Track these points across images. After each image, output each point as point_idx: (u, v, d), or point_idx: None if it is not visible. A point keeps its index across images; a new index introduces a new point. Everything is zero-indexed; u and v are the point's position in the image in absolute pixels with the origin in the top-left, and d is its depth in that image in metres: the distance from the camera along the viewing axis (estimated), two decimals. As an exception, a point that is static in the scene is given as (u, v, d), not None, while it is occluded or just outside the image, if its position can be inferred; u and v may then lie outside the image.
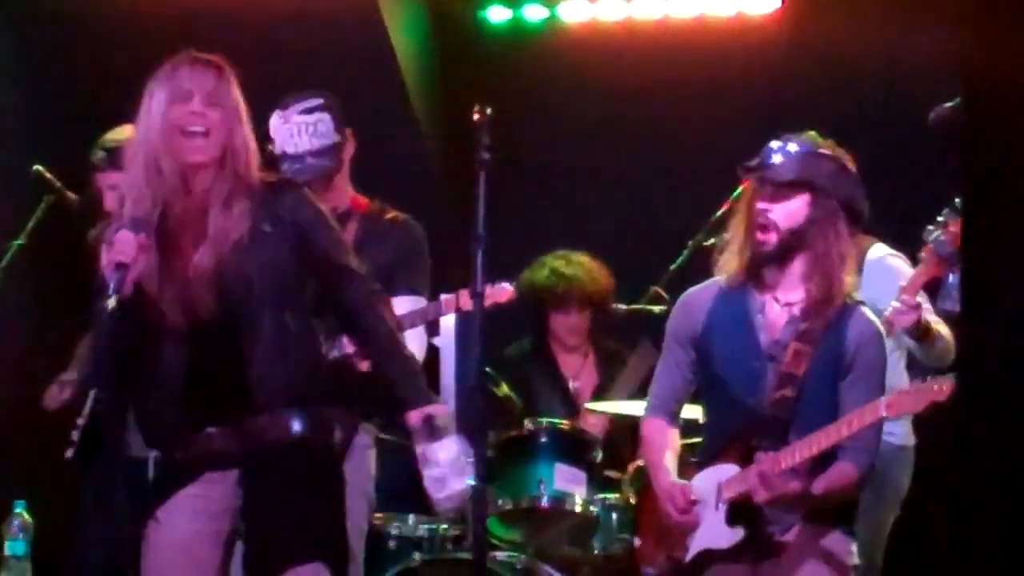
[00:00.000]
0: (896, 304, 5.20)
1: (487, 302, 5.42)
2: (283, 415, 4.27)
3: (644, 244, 6.71)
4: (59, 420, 5.91)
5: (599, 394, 6.51)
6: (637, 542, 5.02)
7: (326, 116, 5.50)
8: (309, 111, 5.51)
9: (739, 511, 4.60)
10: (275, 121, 5.52)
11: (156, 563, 4.22)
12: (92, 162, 5.81)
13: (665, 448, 4.80)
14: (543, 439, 6.03)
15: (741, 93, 7.06)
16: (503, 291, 5.49)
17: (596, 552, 5.94)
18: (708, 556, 4.63)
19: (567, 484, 5.95)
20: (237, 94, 4.37)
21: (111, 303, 4.14)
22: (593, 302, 6.58)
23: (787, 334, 4.64)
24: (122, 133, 5.89)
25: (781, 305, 4.66)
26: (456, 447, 4.26)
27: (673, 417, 4.87)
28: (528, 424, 6.08)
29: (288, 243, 4.31)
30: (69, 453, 5.77)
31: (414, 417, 4.28)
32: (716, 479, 4.65)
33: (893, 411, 4.47)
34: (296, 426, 4.27)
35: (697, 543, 4.66)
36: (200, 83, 4.31)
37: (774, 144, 4.69)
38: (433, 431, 4.26)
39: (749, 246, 4.65)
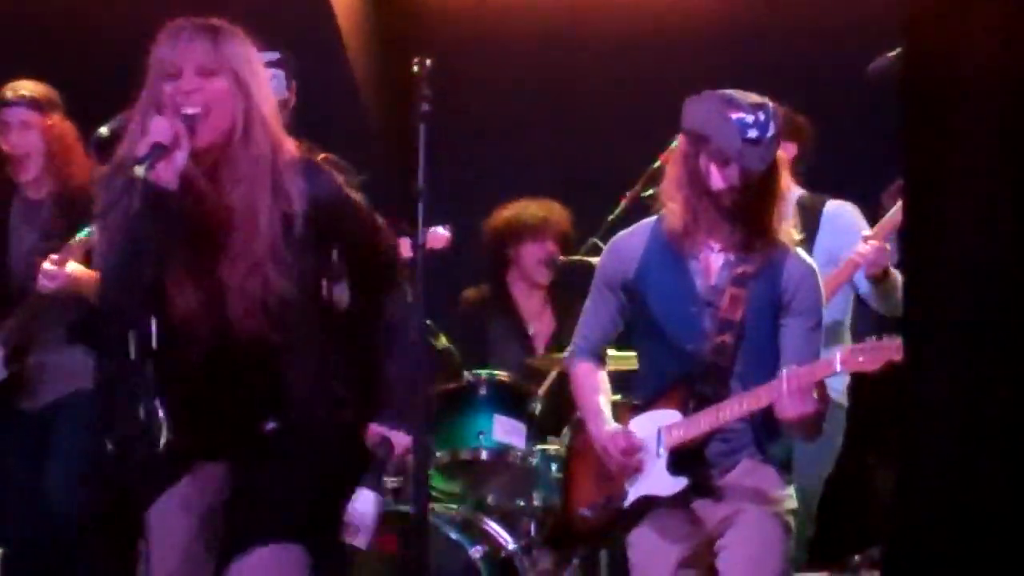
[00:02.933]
0: (866, 245, 5.27)
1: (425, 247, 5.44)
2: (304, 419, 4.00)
3: (582, 195, 6.72)
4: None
5: (556, 341, 6.51)
6: (570, 485, 4.94)
7: (279, 72, 5.53)
8: (265, 66, 5.51)
9: (682, 458, 4.59)
10: None
11: (152, 559, 3.99)
12: None
13: (598, 391, 4.77)
14: (482, 391, 6.04)
15: (682, 44, 7.07)
16: (438, 237, 5.50)
17: (536, 504, 5.97)
18: (648, 501, 4.63)
19: (507, 436, 5.97)
20: (243, 55, 3.93)
21: (139, 170, 3.70)
22: (564, 238, 6.63)
23: (723, 279, 4.62)
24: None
25: (716, 250, 4.65)
26: (376, 504, 4.16)
27: (601, 360, 4.84)
28: (467, 376, 6.09)
29: (318, 239, 3.96)
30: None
31: (374, 431, 4.11)
32: (656, 424, 4.64)
33: (848, 367, 4.43)
34: (307, 409, 4.01)
35: (637, 489, 4.64)
36: (188, 52, 3.87)
37: (751, 134, 4.51)
38: (375, 461, 4.11)
39: (699, 205, 4.60)
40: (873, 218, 5.61)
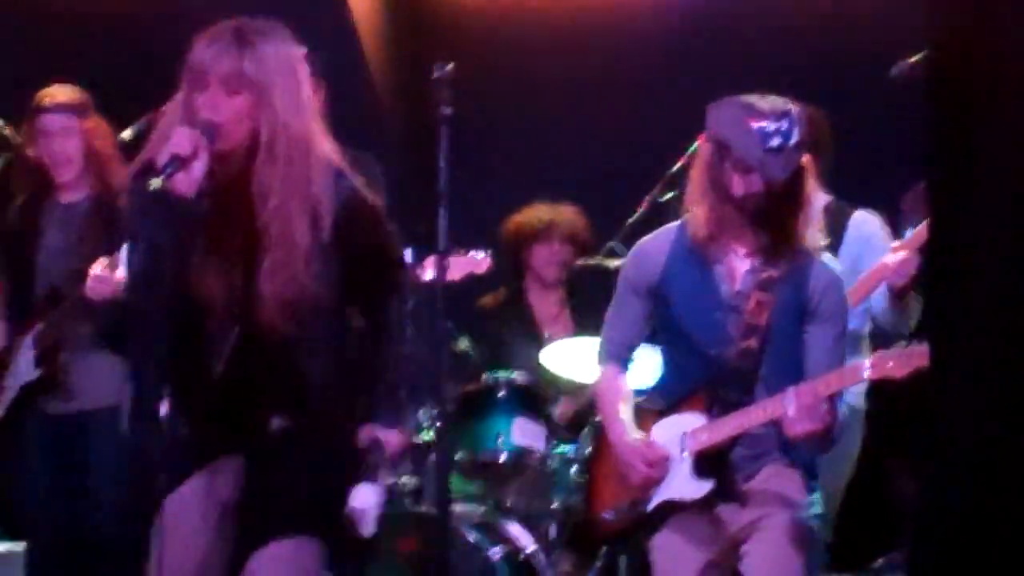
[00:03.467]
0: (895, 256, 5.26)
1: (463, 272, 5.49)
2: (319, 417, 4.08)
3: (601, 199, 6.74)
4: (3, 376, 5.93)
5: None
6: (593, 488, 4.94)
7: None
8: None
9: (706, 462, 4.59)
10: None
11: (164, 547, 3.95)
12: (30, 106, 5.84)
13: (620, 398, 4.77)
14: (501, 393, 6.07)
15: (703, 47, 7.07)
16: (479, 262, 5.52)
17: (555, 506, 5.99)
18: (671, 505, 4.63)
19: (525, 438, 5.99)
20: (274, 66, 3.94)
21: (155, 183, 3.79)
22: (574, 239, 6.66)
23: (748, 283, 4.62)
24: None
25: (741, 255, 4.65)
26: (375, 498, 4.20)
27: (625, 365, 4.85)
28: (487, 378, 6.11)
29: (340, 244, 4.02)
30: (-1, 413, 5.81)
31: (367, 433, 4.14)
32: (680, 428, 4.63)
33: (876, 373, 4.39)
34: (315, 428, 4.08)
35: (661, 493, 4.64)
36: (216, 64, 3.91)
37: (773, 142, 4.50)
38: (371, 459, 4.15)
39: (722, 211, 4.61)
40: (893, 222, 5.61)
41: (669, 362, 4.79)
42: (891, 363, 4.37)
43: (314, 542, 4.03)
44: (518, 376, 6.16)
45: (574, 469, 5.96)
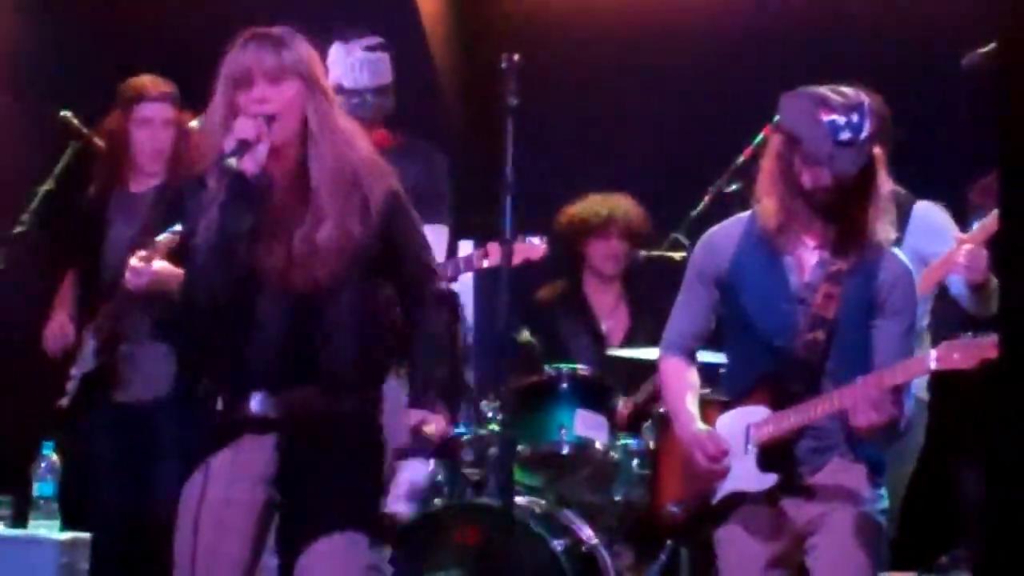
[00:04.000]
0: (961, 249, 5.22)
1: (519, 258, 5.49)
2: (340, 392, 4.21)
3: (665, 190, 6.71)
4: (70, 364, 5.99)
5: (630, 338, 6.52)
6: (657, 481, 4.94)
7: (386, 56, 5.59)
8: (372, 48, 5.58)
9: (771, 455, 4.57)
10: (337, 53, 5.57)
11: (190, 523, 4.14)
12: (123, 94, 5.88)
13: (687, 390, 4.74)
14: (564, 385, 6.05)
15: (768, 37, 7.03)
16: (535, 248, 5.52)
17: (617, 498, 5.98)
18: (736, 498, 4.62)
19: (588, 430, 5.98)
20: (307, 59, 4.20)
21: (229, 161, 4.05)
22: (631, 233, 6.61)
23: (817, 276, 4.59)
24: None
25: (811, 247, 4.62)
26: (421, 475, 4.29)
27: (692, 356, 4.81)
28: (549, 370, 6.11)
29: (373, 228, 4.21)
30: (64, 402, 5.86)
31: (412, 417, 4.28)
32: (744, 421, 4.62)
33: (942, 364, 4.36)
34: (347, 404, 4.21)
35: (726, 486, 4.62)
36: (258, 62, 4.13)
37: (844, 136, 4.47)
38: (416, 442, 4.28)
39: (792, 203, 4.56)
40: (960, 214, 5.57)
41: (734, 354, 4.77)
42: (957, 354, 4.33)
43: (362, 535, 4.16)
44: (580, 368, 6.15)
45: (636, 461, 5.96)
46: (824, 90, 4.55)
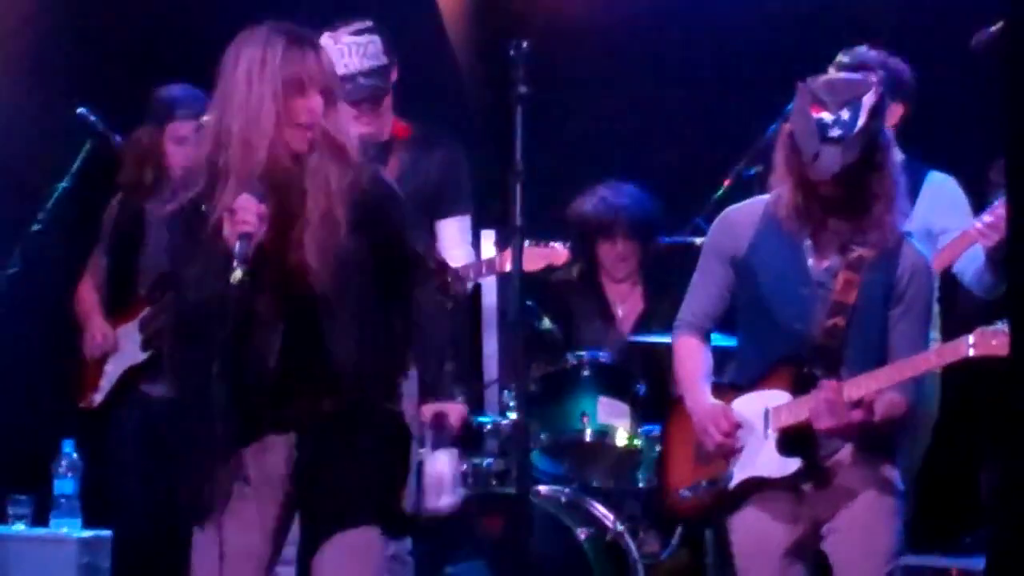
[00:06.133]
0: (983, 219, 5.15)
1: (542, 263, 5.47)
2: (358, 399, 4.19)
3: (684, 176, 6.67)
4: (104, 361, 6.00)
5: (644, 322, 6.47)
6: (667, 465, 4.88)
7: (376, 38, 5.54)
8: (359, 32, 5.55)
9: (792, 440, 4.51)
10: (324, 42, 5.53)
11: (213, 523, 4.11)
12: (159, 110, 5.87)
13: (700, 368, 4.70)
14: (586, 373, 6.01)
15: (780, 21, 6.98)
16: (558, 253, 5.49)
17: (640, 485, 5.94)
18: (753, 484, 4.57)
19: (610, 417, 5.94)
20: (332, 72, 4.24)
21: (238, 274, 3.98)
22: (640, 232, 6.55)
23: (837, 261, 4.56)
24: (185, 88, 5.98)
25: (831, 230, 4.57)
26: (451, 462, 4.30)
27: (706, 336, 4.76)
28: (570, 358, 6.07)
29: (366, 226, 4.18)
30: (97, 398, 5.87)
31: (428, 411, 4.29)
32: (762, 404, 4.57)
33: (980, 350, 4.31)
34: (360, 400, 4.19)
35: (744, 470, 4.58)
36: (310, 71, 4.12)
37: (833, 133, 4.41)
38: (439, 433, 4.29)
39: (800, 194, 4.51)
40: (980, 193, 5.51)
41: (749, 337, 4.72)
42: (995, 340, 4.28)
43: (379, 532, 4.16)
44: (602, 355, 6.11)
45: (659, 448, 5.91)
46: (822, 82, 4.51)
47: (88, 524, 5.55)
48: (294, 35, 4.15)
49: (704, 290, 4.74)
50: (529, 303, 5.78)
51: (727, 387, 4.69)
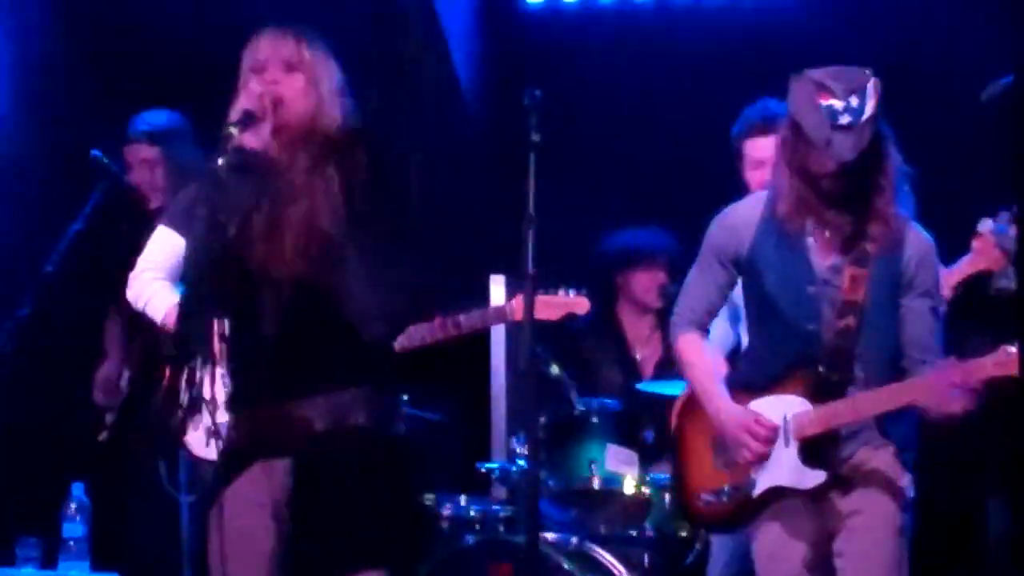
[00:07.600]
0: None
1: (563, 311, 5.46)
2: (349, 399, 4.17)
3: (689, 224, 6.66)
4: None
5: (663, 367, 6.47)
6: (685, 467, 4.83)
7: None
8: None
9: (816, 449, 4.48)
10: None
11: (220, 552, 4.13)
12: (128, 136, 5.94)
13: (712, 368, 4.68)
14: (594, 420, 6.02)
15: (781, 72, 7.00)
16: (580, 302, 5.49)
17: (649, 534, 5.94)
18: (774, 492, 4.54)
19: (619, 465, 5.96)
20: (318, 57, 4.28)
21: (231, 130, 4.10)
22: (673, 264, 6.55)
23: (841, 257, 4.53)
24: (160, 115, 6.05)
25: (832, 226, 4.55)
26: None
27: (705, 331, 4.76)
28: (579, 405, 6.07)
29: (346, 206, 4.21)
30: (103, 436, 5.88)
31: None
32: (780, 410, 4.53)
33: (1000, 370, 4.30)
34: (359, 417, 4.18)
35: (768, 478, 4.54)
36: (275, 51, 4.24)
37: (843, 120, 4.43)
38: None
39: (803, 190, 4.50)
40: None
41: (758, 338, 4.69)
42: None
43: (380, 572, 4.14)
44: (610, 403, 6.11)
45: (668, 496, 5.90)
46: (825, 73, 4.50)
47: (96, 567, 5.52)
48: (274, 26, 4.29)
49: (703, 288, 4.74)
50: (537, 349, 5.78)
51: (741, 389, 4.63)
